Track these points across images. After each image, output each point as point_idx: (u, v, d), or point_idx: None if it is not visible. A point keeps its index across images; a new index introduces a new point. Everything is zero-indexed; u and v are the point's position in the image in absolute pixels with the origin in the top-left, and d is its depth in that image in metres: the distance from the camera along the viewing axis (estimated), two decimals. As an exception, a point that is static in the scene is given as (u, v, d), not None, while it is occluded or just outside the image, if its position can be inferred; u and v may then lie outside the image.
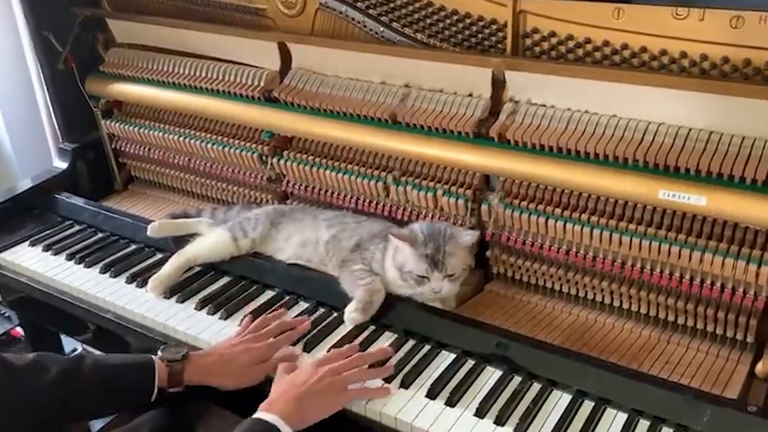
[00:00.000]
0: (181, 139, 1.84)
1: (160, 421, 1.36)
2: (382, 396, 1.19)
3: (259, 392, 1.20)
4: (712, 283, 1.26)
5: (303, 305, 1.45)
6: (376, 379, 1.22)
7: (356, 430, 1.19)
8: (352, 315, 1.35)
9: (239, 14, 1.74)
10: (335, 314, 1.40)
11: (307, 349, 1.32)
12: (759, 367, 1.21)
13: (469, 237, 1.35)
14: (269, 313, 1.40)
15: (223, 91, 1.73)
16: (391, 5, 1.50)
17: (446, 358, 1.27)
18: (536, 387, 1.18)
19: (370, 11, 1.54)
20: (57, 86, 1.95)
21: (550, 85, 1.34)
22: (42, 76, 1.96)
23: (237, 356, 1.26)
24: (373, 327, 1.35)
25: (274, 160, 1.69)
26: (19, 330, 2.22)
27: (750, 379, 1.22)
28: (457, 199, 1.45)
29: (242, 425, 1.09)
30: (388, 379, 1.22)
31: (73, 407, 1.19)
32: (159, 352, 1.26)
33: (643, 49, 1.26)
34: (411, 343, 1.31)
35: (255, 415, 1.11)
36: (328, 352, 1.29)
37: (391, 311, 1.35)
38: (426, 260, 1.31)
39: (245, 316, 1.40)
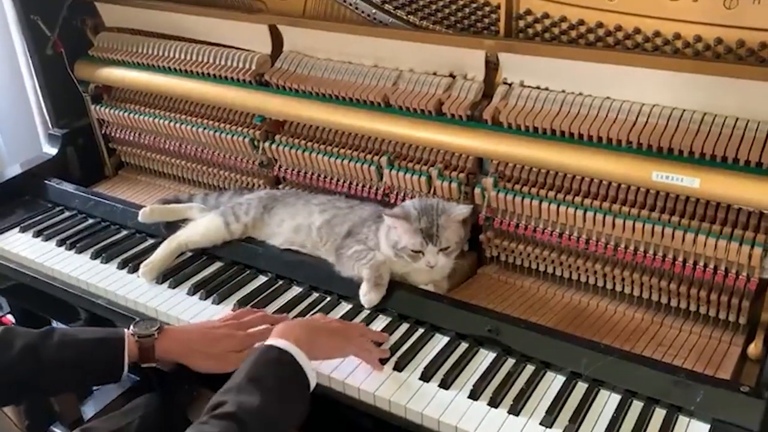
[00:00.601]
0: (172, 123, 1.83)
1: (152, 406, 1.36)
2: (377, 369, 1.19)
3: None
4: (705, 265, 1.26)
5: (296, 290, 1.44)
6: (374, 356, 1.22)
7: (350, 413, 1.19)
8: (366, 297, 1.34)
9: (230, -3, 1.72)
10: (328, 299, 1.40)
11: (301, 333, 1.31)
12: (751, 349, 1.22)
13: (462, 210, 1.35)
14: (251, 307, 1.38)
15: (214, 74, 1.72)
16: (383, -13, 1.49)
17: (440, 341, 1.27)
18: (530, 369, 1.19)
19: (362, -7, 1.53)
20: (46, 71, 1.93)
21: (544, 67, 1.34)
22: (30, 61, 1.94)
23: (221, 339, 1.23)
24: (367, 311, 1.35)
25: (266, 144, 1.68)
26: (10, 317, 2.20)
27: (742, 360, 1.23)
28: (450, 183, 1.45)
29: (254, 353, 1.08)
30: (382, 362, 1.22)
31: (42, 381, 1.17)
32: (131, 326, 1.22)
33: (637, 31, 1.26)
34: (405, 326, 1.31)
35: (267, 342, 1.10)
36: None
37: (385, 295, 1.35)
38: (420, 234, 1.31)
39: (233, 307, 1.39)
